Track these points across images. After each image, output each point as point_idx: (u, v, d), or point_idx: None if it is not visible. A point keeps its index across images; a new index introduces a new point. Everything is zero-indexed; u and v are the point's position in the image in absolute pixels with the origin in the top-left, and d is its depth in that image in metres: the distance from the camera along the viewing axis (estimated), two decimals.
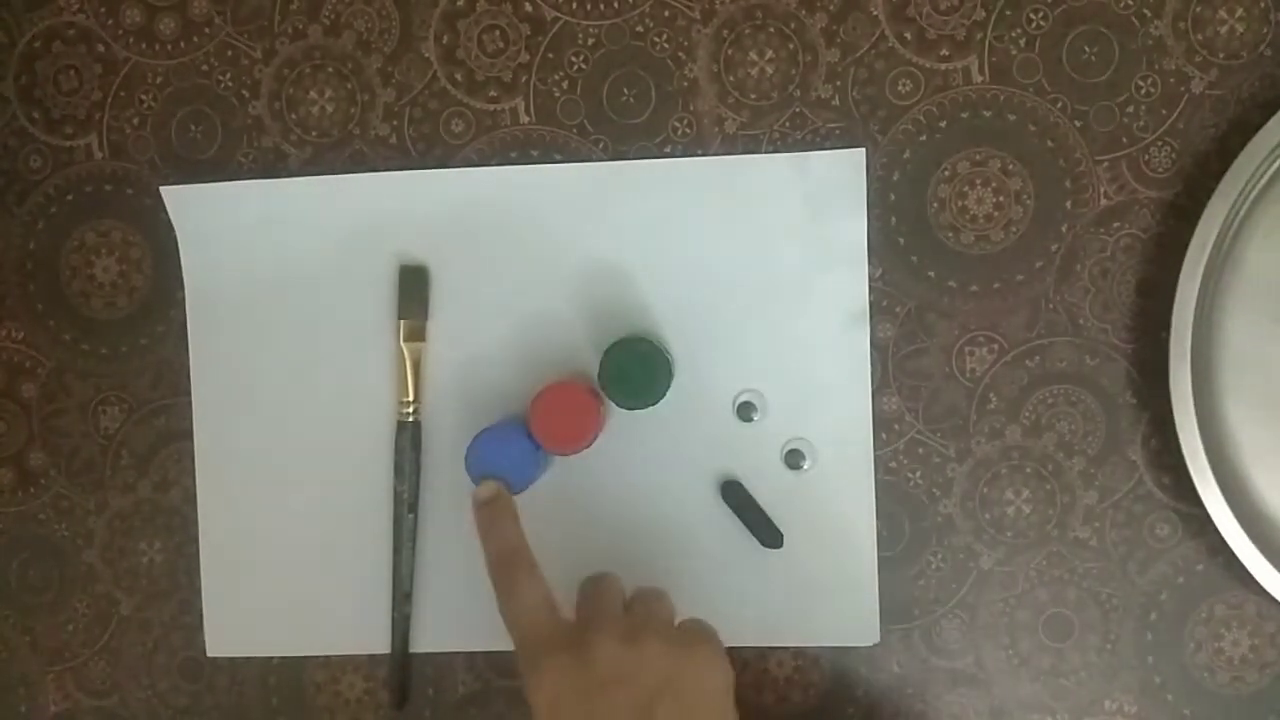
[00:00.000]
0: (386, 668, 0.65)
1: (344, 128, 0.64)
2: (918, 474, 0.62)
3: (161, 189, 0.65)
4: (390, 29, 0.64)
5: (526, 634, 0.52)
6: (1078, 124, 0.61)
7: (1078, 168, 0.61)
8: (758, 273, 0.62)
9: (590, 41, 0.63)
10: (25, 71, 0.66)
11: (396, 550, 0.64)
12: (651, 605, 0.54)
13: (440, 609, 0.64)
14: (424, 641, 0.64)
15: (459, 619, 0.64)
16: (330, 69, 0.64)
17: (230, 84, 0.65)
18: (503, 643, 0.64)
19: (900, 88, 0.62)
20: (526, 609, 0.53)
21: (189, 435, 0.65)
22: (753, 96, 0.62)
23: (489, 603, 0.64)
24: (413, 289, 0.63)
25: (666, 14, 0.63)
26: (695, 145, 0.63)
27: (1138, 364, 0.61)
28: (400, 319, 0.64)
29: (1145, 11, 0.60)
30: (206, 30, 0.65)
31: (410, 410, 0.63)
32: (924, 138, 0.62)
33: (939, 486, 0.62)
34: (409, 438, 0.63)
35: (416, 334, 0.64)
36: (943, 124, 0.62)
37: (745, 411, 0.62)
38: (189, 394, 0.65)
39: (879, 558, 0.62)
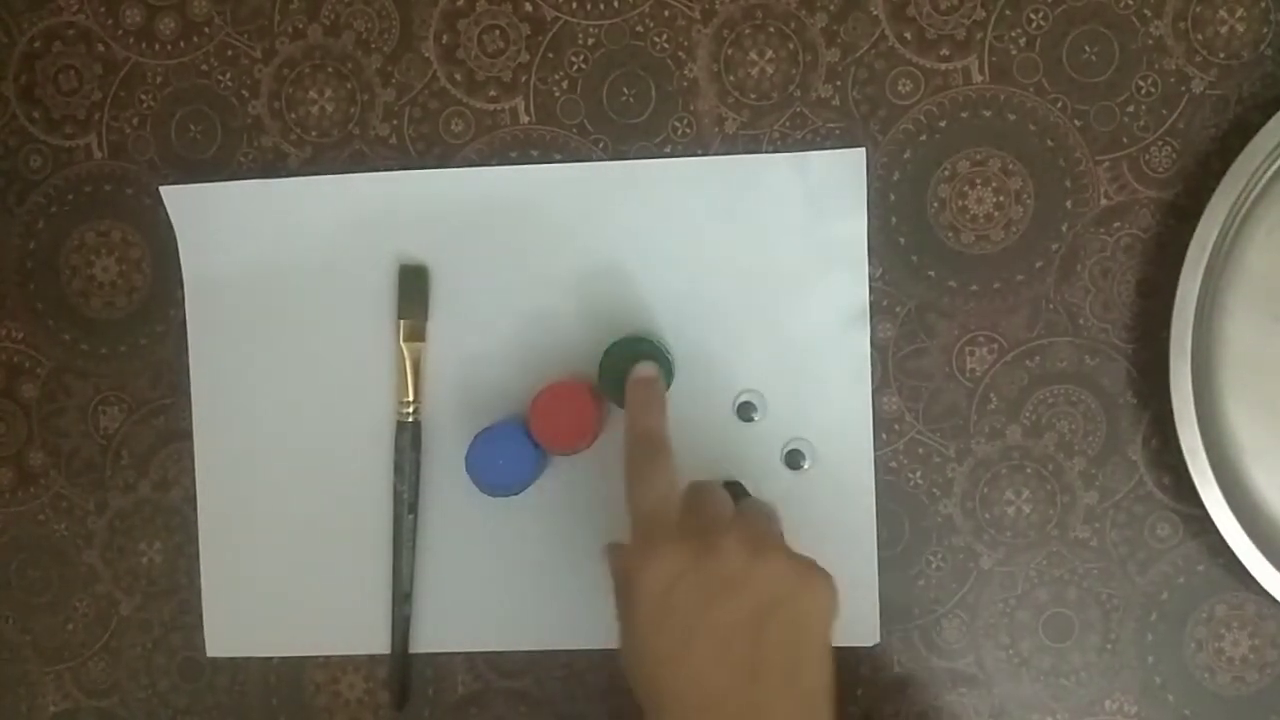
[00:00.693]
0: (386, 668, 0.65)
1: (344, 127, 0.64)
2: (918, 474, 0.62)
3: (161, 189, 0.65)
4: (390, 29, 0.64)
5: (651, 517, 0.50)
6: (1078, 124, 0.61)
7: (1078, 167, 0.61)
8: (758, 273, 0.62)
9: (590, 41, 0.63)
10: (25, 71, 0.66)
11: (396, 550, 0.64)
12: (770, 520, 0.53)
13: (440, 609, 0.64)
14: (424, 642, 0.64)
15: (459, 619, 0.64)
16: (330, 69, 0.64)
17: (230, 84, 0.65)
18: (503, 643, 0.64)
19: (900, 87, 0.62)
20: (656, 492, 0.51)
21: (189, 435, 0.65)
22: (753, 96, 0.62)
23: (489, 603, 0.64)
24: (413, 289, 0.63)
25: (666, 14, 0.63)
26: (695, 145, 0.63)
27: (1138, 364, 0.61)
28: (400, 319, 0.63)
29: (1145, 11, 0.60)
30: (206, 30, 0.65)
31: (410, 410, 0.63)
32: (924, 137, 0.62)
33: (939, 487, 0.62)
34: (409, 438, 0.63)
35: (416, 334, 0.64)
36: (943, 124, 0.62)
37: (745, 411, 0.62)
38: (189, 394, 0.65)
39: (879, 558, 0.62)
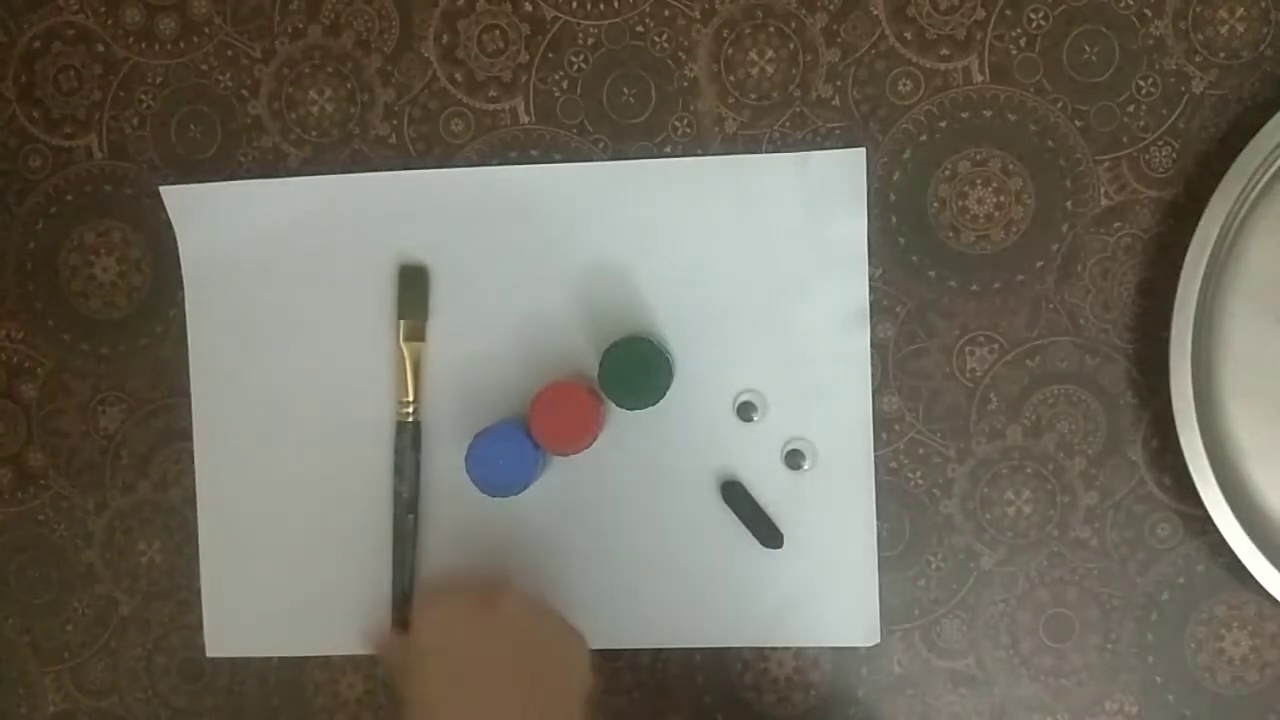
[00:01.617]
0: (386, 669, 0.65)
1: (343, 127, 0.64)
2: (918, 474, 0.62)
3: (161, 189, 0.65)
4: (390, 29, 0.64)
5: (432, 593, 0.57)
6: (1078, 124, 0.61)
7: (1078, 167, 0.61)
8: (758, 273, 0.62)
9: (590, 41, 0.63)
10: (25, 71, 0.66)
11: (396, 550, 0.64)
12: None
13: None
14: None
15: None
16: (330, 69, 0.64)
17: (230, 84, 0.65)
18: None
19: (900, 87, 0.62)
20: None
21: (188, 435, 0.65)
22: (753, 96, 0.62)
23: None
24: (412, 288, 0.63)
25: (666, 13, 0.63)
26: (695, 145, 0.63)
27: (1138, 364, 0.61)
28: (400, 319, 0.63)
29: (1146, 11, 0.60)
30: (206, 30, 0.65)
31: (410, 410, 0.63)
32: (924, 137, 0.62)
33: (939, 487, 0.62)
34: (409, 438, 0.63)
35: (416, 334, 0.64)
36: (943, 124, 0.61)
37: (745, 411, 0.62)
38: (188, 394, 0.65)
39: (879, 558, 0.62)
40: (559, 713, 0.51)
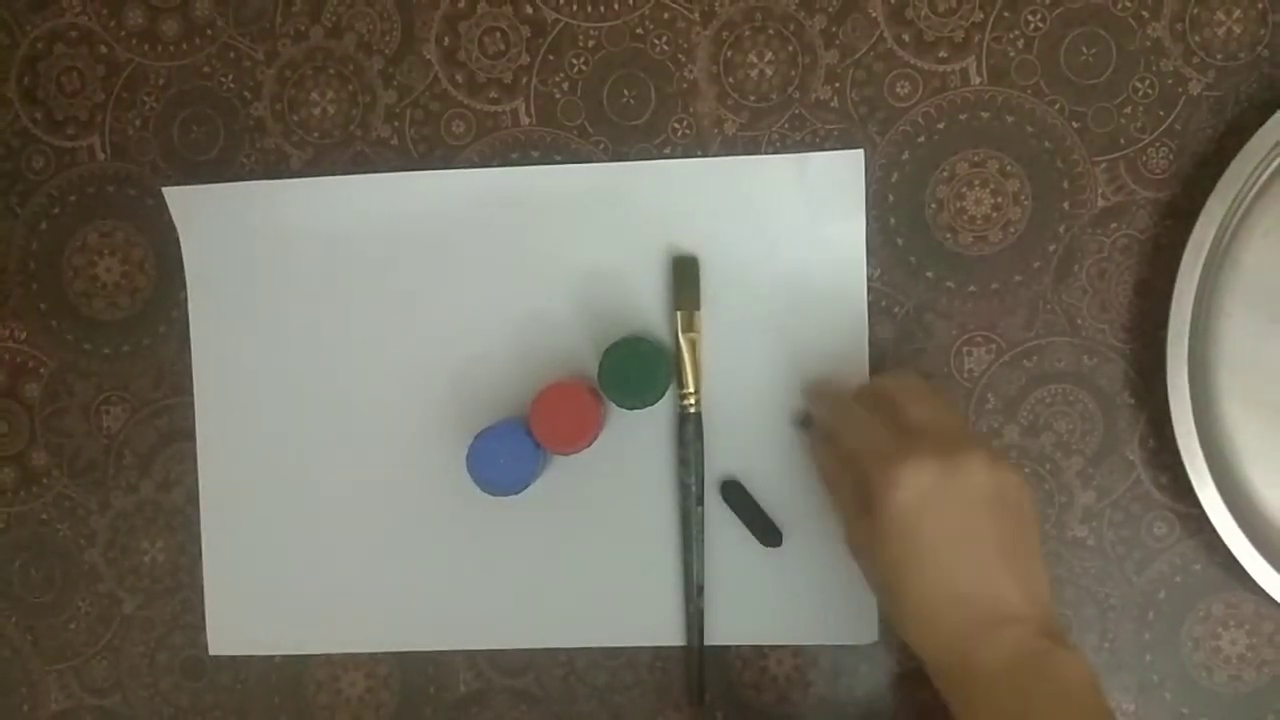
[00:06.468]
0: (389, 667, 0.65)
1: (345, 129, 0.65)
2: None
3: (164, 190, 0.65)
4: (391, 31, 0.64)
5: (878, 446, 0.53)
6: (1075, 125, 0.61)
7: (1075, 169, 0.61)
8: (757, 273, 0.62)
9: (590, 43, 0.63)
10: (28, 73, 0.66)
11: (685, 543, 0.62)
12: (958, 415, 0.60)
13: (441, 608, 0.64)
14: (424, 640, 0.65)
15: (460, 618, 0.64)
16: (332, 70, 0.65)
17: (232, 85, 0.65)
18: (503, 641, 0.64)
19: (899, 89, 0.62)
20: (867, 424, 0.55)
21: (191, 435, 0.66)
22: (752, 98, 0.63)
23: (490, 602, 0.64)
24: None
25: (666, 16, 0.63)
26: (695, 146, 0.63)
27: (1135, 364, 0.61)
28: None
29: (1143, 13, 0.60)
30: (209, 32, 0.65)
31: (692, 402, 0.62)
32: (922, 139, 0.62)
33: None
34: (692, 429, 0.62)
35: None
36: (941, 125, 0.62)
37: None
38: (191, 394, 0.65)
39: None
40: (1033, 568, 0.52)
